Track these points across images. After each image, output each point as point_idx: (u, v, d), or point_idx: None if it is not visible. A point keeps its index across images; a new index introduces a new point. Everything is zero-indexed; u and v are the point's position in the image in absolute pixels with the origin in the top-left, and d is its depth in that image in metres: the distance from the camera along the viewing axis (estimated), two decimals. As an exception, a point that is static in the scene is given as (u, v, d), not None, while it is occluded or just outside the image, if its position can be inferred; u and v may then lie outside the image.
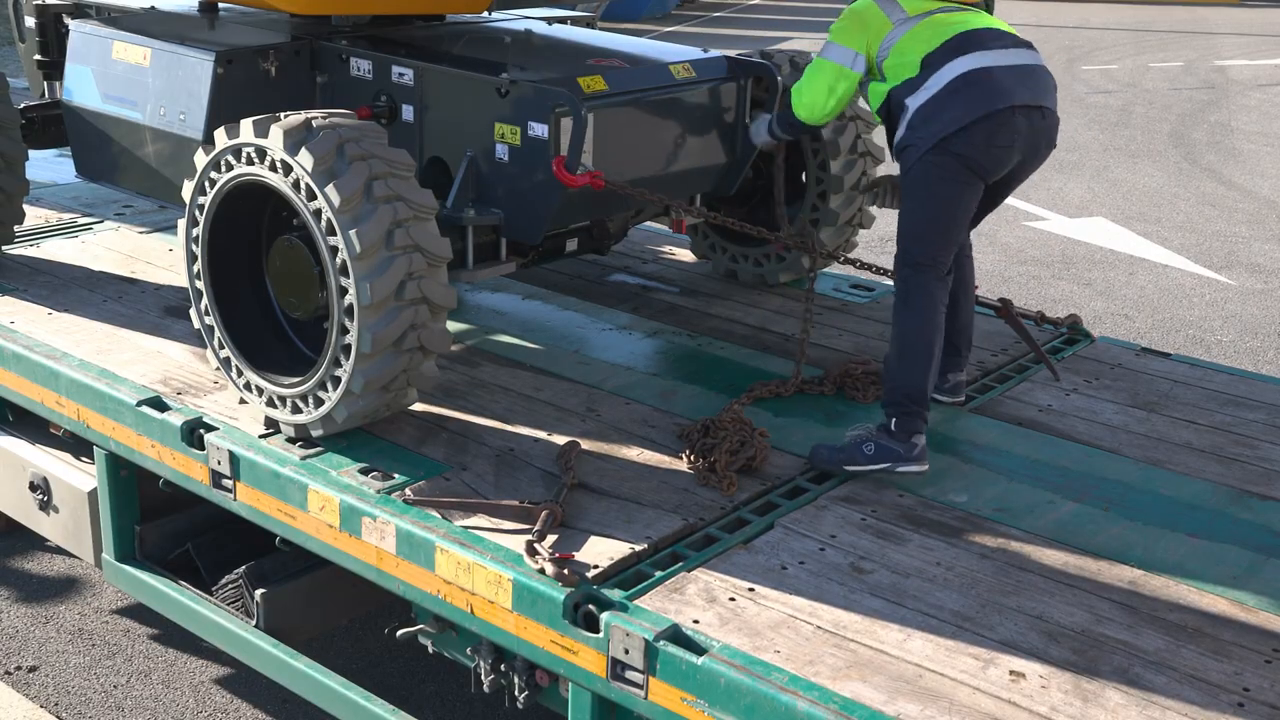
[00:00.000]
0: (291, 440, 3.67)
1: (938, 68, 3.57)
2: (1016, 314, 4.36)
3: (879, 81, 3.76)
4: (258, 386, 3.72)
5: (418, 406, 3.86)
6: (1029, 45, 3.75)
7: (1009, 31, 3.72)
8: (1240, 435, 3.96)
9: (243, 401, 3.83)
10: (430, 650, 3.46)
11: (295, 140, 3.42)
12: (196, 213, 3.74)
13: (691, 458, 3.55)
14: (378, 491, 3.38)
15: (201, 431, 3.72)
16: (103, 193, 5.88)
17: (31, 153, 4.98)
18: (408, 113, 4.14)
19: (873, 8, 3.76)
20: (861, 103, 4.71)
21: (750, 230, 4.32)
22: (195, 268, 3.81)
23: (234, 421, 3.78)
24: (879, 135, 5.04)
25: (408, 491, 3.38)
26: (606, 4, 6.68)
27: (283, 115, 3.54)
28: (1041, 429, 3.95)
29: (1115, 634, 2.89)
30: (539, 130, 3.82)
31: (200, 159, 3.70)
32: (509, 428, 3.81)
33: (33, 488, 4.39)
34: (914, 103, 3.59)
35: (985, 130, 3.55)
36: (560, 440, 3.71)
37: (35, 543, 5.19)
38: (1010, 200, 10.47)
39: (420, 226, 3.47)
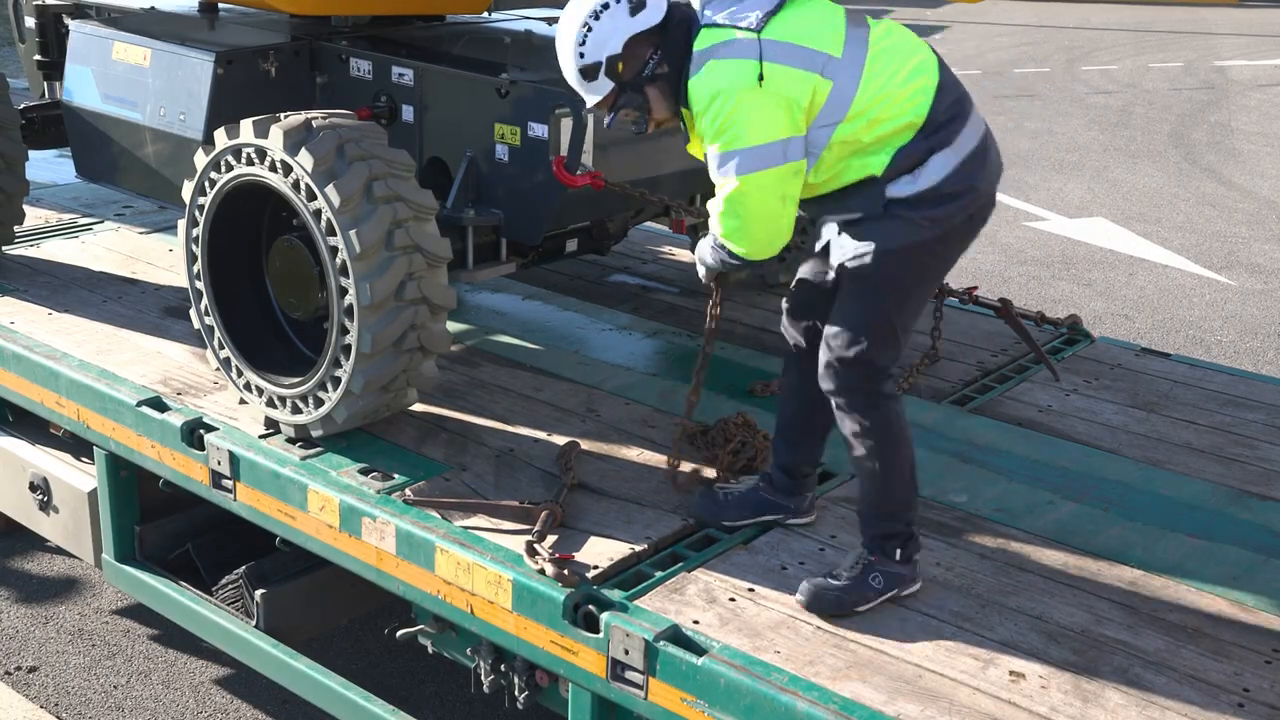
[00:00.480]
0: (291, 440, 3.67)
1: (943, 137, 2.88)
2: (1016, 314, 4.37)
3: (830, 162, 2.90)
4: (258, 387, 3.72)
5: (418, 407, 3.86)
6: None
7: (944, 68, 3.02)
8: (1240, 435, 3.96)
9: (243, 402, 3.83)
10: (430, 651, 3.46)
11: (295, 141, 3.42)
12: (196, 213, 3.74)
13: (674, 462, 3.52)
14: (377, 492, 3.38)
15: (201, 432, 3.72)
16: (103, 193, 5.88)
17: (31, 153, 4.98)
18: (407, 113, 4.13)
19: (773, 70, 2.81)
20: None
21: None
22: (195, 268, 3.81)
23: (234, 422, 3.78)
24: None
25: (408, 492, 3.38)
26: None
27: (283, 116, 3.54)
28: (1041, 429, 3.94)
29: (1115, 634, 2.89)
30: (539, 130, 3.81)
31: (200, 159, 3.70)
32: (509, 428, 3.81)
33: (33, 488, 4.39)
34: (916, 185, 2.88)
35: (976, 219, 3.03)
36: (560, 440, 3.71)
37: (35, 543, 5.18)
38: (1010, 200, 10.52)
39: (420, 227, 3.47)
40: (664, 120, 3.08)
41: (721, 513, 3.29)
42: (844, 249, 2.96)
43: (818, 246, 3.10)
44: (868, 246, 2.91)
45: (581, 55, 2.98)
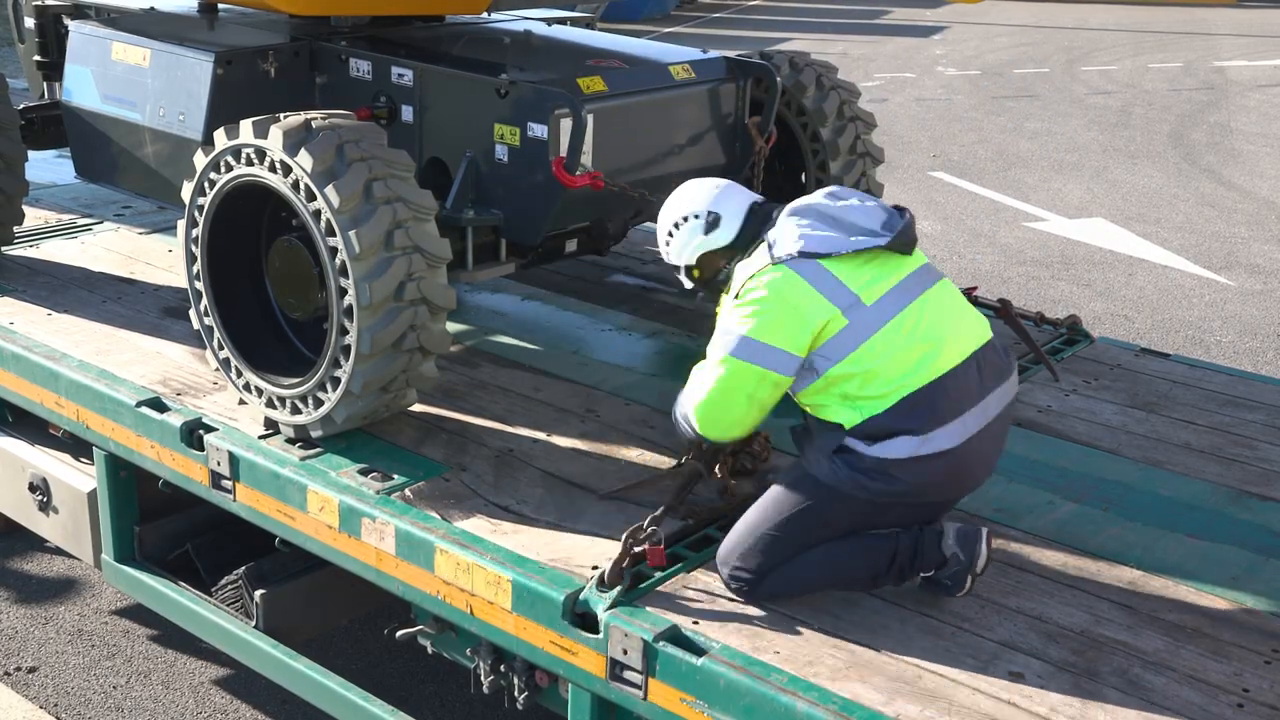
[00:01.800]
0: (291, 441, 3.67)
1: (918, 425, 2.87)
2: (1016, 314, 4.36)
3: (816, 390, 2.96)
4: (257, 387, 3.72)
5: (417, 407, 3.85)
6: (1005, 351, 3.09)
7: (984, 325, 3.06)
8: (1239, 436, 3.96)
9: (242, 402, 3.83)
10: (430, 651, 3.46)
11: (295, 141, 3.42)
12: (196, 213, 3.74)
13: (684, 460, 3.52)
14: (377, 492, 3.38)
15: (201, 432, 3.72)
16: (102, 194, 5.87)
17: (31, 153, 4.98)
18: (407, 113, 4.13)
19: (800, 285, 2.90)
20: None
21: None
22: (195, 269, 3.81)
23: (233, 422, 3.78)
24: (878, 135, 5.05)
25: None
26: (606, 4, 6.69)
27: (282, 116, 3.54)
28: (1041, 429, 3.94)
29: (1115, 634, 2.89)
30: (538, 131, 3.81)
31: (200, 160, 3.70)
32: (508, 428, 3.81)
33: (32, 489, 4.39)
34: (868, 450, 2.88)
35: (918, 509, 3.02)
36: (560, 441, 3.71)
37: (35, 543, 5.18)
38: (1010, 201, 10.52)
39: (419, 227, 3.47)
40: None
41: None
42: (799, 447, 3.08)
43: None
44: (804, 463, 3.00)
45: (667, 256, 3.29)
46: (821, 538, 2.97)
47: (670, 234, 3.23)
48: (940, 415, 2.89)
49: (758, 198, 3.21)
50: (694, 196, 3.21)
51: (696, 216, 3.17)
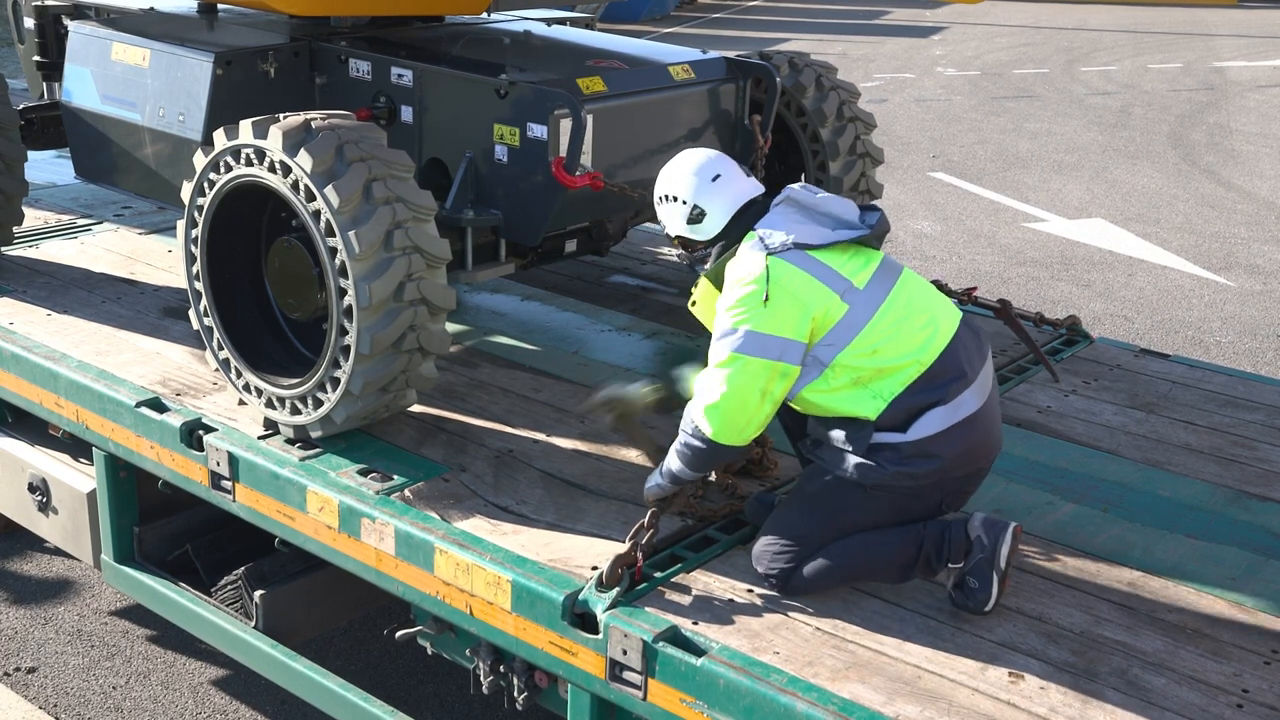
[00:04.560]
0: (290, 441, 3.67)
1: (943, 395, 2.94)
2: (1015, 315, 4.36)
3: (826, 384, 2.98)
4: (257, 388, 3.72)
5: (417, 407, 3.85)
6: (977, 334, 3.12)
7: (951, 304, 3.14)
8: (1239, 436, 3.96)
9: (242, 403, 3.83)
10: (429, 651, 3.46)
11: (294, 141, 3.42)
12: (195, 214, 3.74)
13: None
14: (377, 493, 3.38)
15: (200, 433, 3.72)
16: (101, 194, 5.88)
17: (31, 154, 4.98)
18: (407, 114, 4.13)
19: (797, 274, 2.94)
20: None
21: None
22: (194, 269, 3.81)
23: (233, 423, 3.78)
24: (878, 136, 5.04)
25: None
26: (605, 5, 6.68)
27: (282, 117, 3.54)
28: (1040, 430, 3.94)
29: (1114, 635, 2.89)
30: (538, 131, 3.81)
31: (199, 160, 3.70)
32: (508, 429, 3.81)
33: (32, 489, 4.39)
34: (905, 437, 2.93)
35: (954, 485, 3.08)
36: (560, 441, 3.71)
37: (34, 544, 5.18)
38: (1010, 201, 10.52)
39: (419, 228, 3.47)
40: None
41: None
42: (822, 459, 3.05)
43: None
44: (840, 471, 2.99)
45: (660, 222, 3.27)
46: (857, 531, 3.02)
47: (660, 200, 3.23)
48: (961, 379, 2.96)
49: (753, 192, 3.17)
50: (683, 179, 3.17)
51: (684, 204, 3.16)
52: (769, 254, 2.96)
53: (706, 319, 3.19)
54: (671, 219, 3.20)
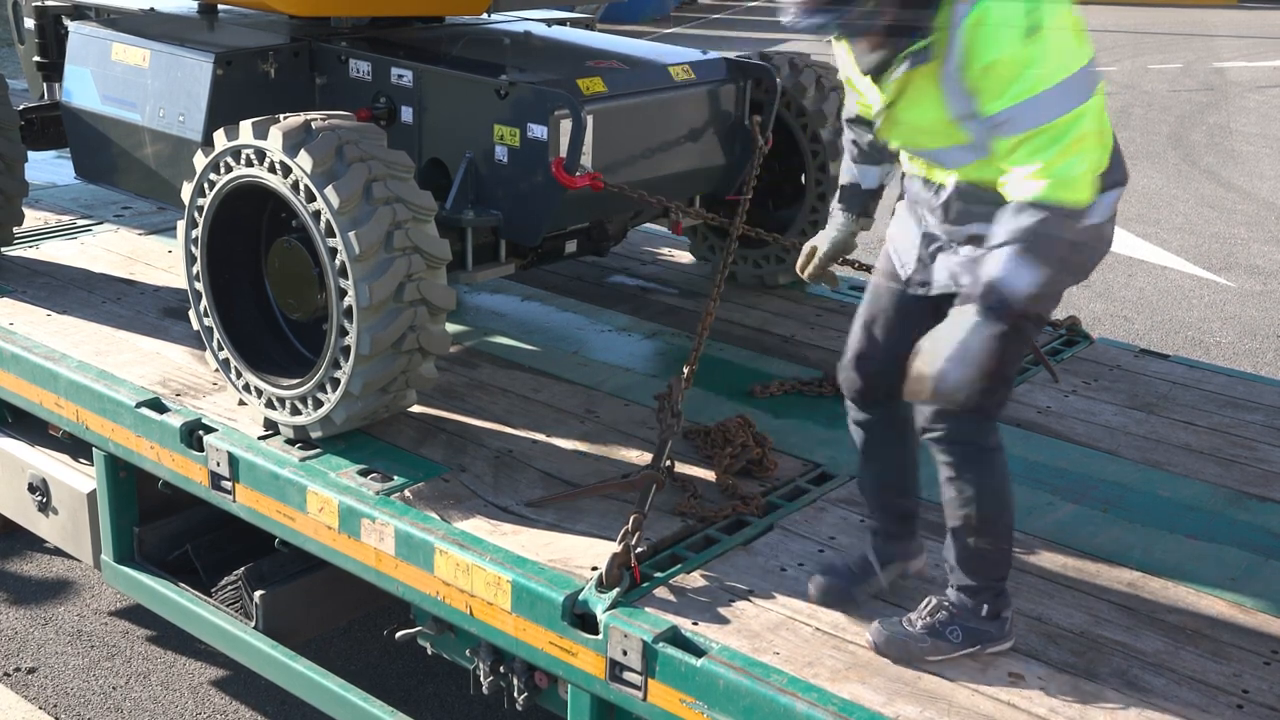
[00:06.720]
0: (290, 442, 3.67)
1: (1122, 175, 2.67)
2: (1016, 315, 4.34)
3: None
4: (257, 388, 3.72)
5: (416, 408, 3.86)
6: None
7: None
8: (1239, 437, 3.96)
9: (242, 403, 3.83)
10: (429, 652, 3.46)
11: (294, 142, 3.42)
12: (196, 214, 3.74)
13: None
14: (376, 493, 3.38)
15: (200, 433, 3.72)
16: (101, 194, 5.88)
17: (31, 154, 4.98)
18: (407, 114, 4.14)
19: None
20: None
21: (750, 232, 4.31)
22: (194, 269, 3.81)
23: (233, 423, 3.78)
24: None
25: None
26: (605, 5, 6.69)
27: (282, 117, 3.54)
28: (1040, 430, 3.94)
29: (1114, 635, 2.89)
30: (538, 132, 3.82)
31: (199, 160, 3.70)
32: (508, 429, 3.81)
33: (32, 489, 4.39)
34: (1091, 219, 2.59)
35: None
36: (560, 441, 3.71)
37: (34, 544, 5.18)
38: (1009, 202, 10.50)
39: (419, 228, 3.47)
40: (877, 44, 2.67)
41: (919, 648, 2.78)
42: (987, 270, 2.48)
43: (937, 260, 2.76)
44: (1023, 277, 2.44)
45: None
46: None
47: None
48: (1118, 164, 2.68)
49: None
50: None
51: None
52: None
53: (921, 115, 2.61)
54: None
